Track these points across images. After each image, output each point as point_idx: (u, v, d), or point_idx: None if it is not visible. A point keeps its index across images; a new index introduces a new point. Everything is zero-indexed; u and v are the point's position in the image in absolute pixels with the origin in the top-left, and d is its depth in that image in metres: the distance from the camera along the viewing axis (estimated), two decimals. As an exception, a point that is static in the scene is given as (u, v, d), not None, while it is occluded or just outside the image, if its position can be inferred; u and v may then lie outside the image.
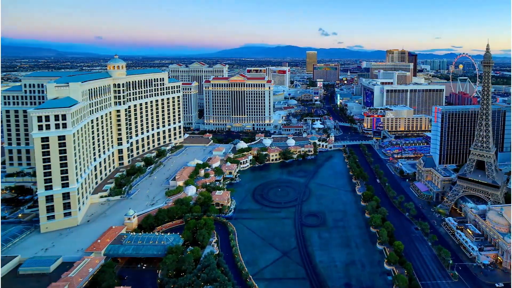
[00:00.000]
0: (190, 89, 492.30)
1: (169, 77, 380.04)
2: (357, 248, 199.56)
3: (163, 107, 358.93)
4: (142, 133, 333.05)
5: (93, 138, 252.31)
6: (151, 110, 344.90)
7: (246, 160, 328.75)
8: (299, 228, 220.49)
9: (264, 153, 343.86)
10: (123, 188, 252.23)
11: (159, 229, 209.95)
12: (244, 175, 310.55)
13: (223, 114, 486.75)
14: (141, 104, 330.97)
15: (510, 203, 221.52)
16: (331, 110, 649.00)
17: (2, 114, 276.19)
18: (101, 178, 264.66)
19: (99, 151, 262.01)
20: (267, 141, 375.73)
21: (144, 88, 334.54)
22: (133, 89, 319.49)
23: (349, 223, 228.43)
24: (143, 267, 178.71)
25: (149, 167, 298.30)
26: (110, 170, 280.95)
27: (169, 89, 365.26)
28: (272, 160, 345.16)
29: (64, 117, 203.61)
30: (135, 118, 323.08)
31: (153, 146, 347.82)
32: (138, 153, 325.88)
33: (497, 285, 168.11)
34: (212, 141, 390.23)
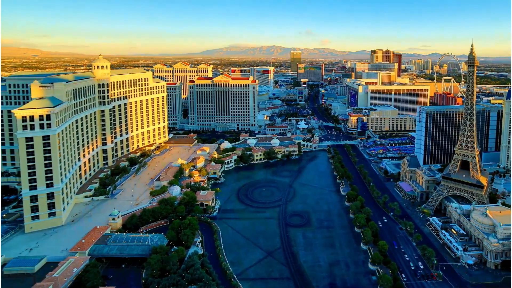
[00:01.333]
0: (175, 89, 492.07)
1: (153, 77, 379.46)
2: (341, 248, 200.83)
3: (147, 107, 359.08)
4: (127, 133, 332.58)
5: (77, 138, 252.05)
6: (136, 110, 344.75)
7: (231, 160, 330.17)
8: (283, 228, 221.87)
9: (248, 153, 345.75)
10: (108, 188, 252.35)
11: (144, 229, 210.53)
12: (228, 175, 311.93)
13: (207, 114, 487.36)
14: (125, 104, 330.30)
15: (494, 203, 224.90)
16: (316, 110, 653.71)
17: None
18: (86, 178, 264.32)
19: (83, 151, 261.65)
20: (252, 141, 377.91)
21: (129, 88, 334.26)
22: (117, 89, 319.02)
23: (334, 223, 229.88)
24: (128, 267, 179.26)
25: (133, 167, 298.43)
26: (94, 170, 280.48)
27: (153, 89, 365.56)
28: (257, 160, 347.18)
29: (48, 117, 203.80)
30: (120, 118, 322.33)
31: (138, 146, 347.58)
32: (122, 153, 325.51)
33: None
34: (196, 141, 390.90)
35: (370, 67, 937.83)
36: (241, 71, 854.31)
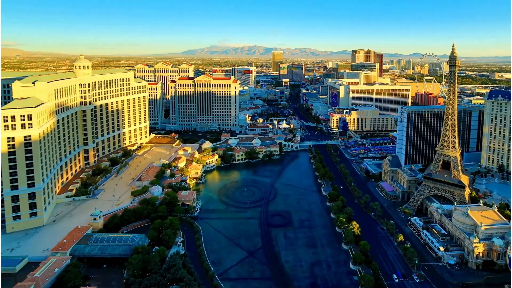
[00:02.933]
0: (156, 89, 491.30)
1: (134, 77, 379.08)
2: (322, 248, 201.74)
3: (129, 107, 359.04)
4: (108, 133, 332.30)
5: (59, 138, 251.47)
6: (117, 110, 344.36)
7: (212, 160, 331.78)
8: (265, 228, 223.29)
9: (230, 153, 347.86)
10: (89, 188, 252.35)
11: (125, 229, 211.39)
12: (210, 175, 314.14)
13: (189, 114, 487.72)
14: (107, 104, 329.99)
15: (475, 203, 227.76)
16: (297, 110, 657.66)
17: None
18: (67, 178, 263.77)
19: (65, 151, 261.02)
20: (233, 141, 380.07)
21: (110, 88, 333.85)
22: (99, 89, 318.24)
23: (315, 223, 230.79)
24: (109, 267, 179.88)
25: (115, 167, 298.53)
26: (76, 170, 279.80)
27: (135, 89, 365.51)
28: (238, 160, 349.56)
29: (30, 117, 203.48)
30: (101, 118, 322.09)
31: (119, 146, 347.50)
32: (104, 153, 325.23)
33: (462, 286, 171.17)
34: (178, 141, 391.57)
35: (352, 67, 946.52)
36: (223, 71, 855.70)
